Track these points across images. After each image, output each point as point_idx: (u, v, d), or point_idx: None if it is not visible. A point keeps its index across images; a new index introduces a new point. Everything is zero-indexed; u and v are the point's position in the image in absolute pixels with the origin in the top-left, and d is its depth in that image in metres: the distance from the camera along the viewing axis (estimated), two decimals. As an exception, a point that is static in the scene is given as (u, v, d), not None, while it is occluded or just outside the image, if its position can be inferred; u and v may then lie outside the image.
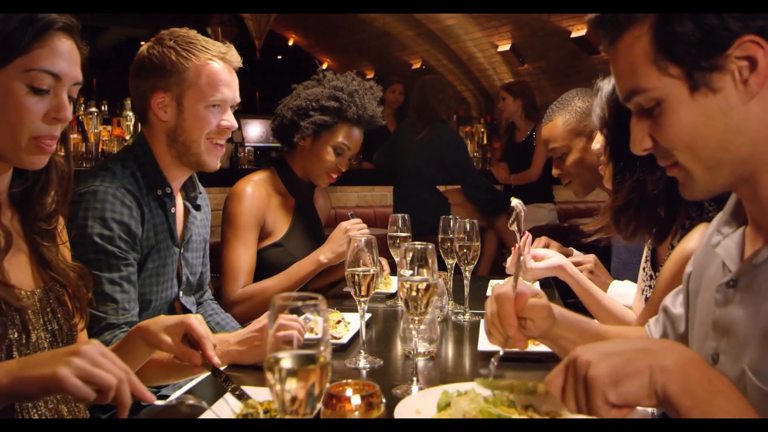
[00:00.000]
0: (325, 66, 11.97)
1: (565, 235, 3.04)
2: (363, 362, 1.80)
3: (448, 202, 5.03)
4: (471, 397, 1.23)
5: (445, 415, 1.22)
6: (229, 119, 2.10)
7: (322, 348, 0.93)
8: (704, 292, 1.25)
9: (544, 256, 2.34)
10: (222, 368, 1.55)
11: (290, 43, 11.97)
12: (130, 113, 6.90)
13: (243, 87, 2.17)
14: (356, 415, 1.24)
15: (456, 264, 2.46)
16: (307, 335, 0.96)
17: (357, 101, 2.81)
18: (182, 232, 2.18)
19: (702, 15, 1.04)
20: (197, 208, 2.24)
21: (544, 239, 2.89)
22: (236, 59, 2.13)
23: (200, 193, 2.28)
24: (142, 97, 2.08)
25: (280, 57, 12.55)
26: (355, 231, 2.64)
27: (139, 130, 2.32)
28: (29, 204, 1.47)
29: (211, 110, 2.06)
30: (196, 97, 2.04)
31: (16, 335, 1.37)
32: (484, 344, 1.88)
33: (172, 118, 2.06)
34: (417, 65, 11.11)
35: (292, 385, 0.90)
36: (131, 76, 2.11)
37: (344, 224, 2.69)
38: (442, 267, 2.19)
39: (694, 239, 1.69)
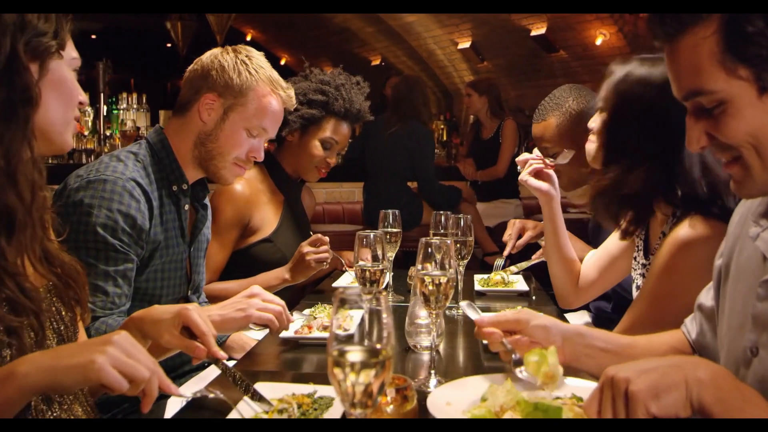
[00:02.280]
0: (282, 62, 11.87)
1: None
2: (371, 357, 1.80)
3: (419, 198, 5.05)
4: (507, 389, 1.25)
5: (483, 406, 1.24)
6: (260, 153, 2.17)
7: (384, 342, 0.93)
8: (738, 282, 1.27)
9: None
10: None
11: (248, 38, 11.84)
12: (89, 108, 6.77)
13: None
14: (391, 408, 1.25)
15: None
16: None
17: (344, 95, 2.82)
18: (191, 231, 2.17)
19: None
20: (204, 207, 2.23)
21: (518, 223, 2.93)
22: (292, 102, 2.23)
23: (209, 192, 2.27)
24: (194, 91, 2.11)
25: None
26: (312, 256, 2.55)
27: (159, 123, 2.32)
28: None
29: (248, 135, 2.12)
30: (243, 116, 2.10)
31: (30, 340, 1.33)
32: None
33: (212, 122, 2.09)
34: (376, 62, 11.12)
35: (362, 378, 0.90)
36: (192, 71, 2.15)
37: (303, 247, 2.60)
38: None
39: (685, 227, 1.74)
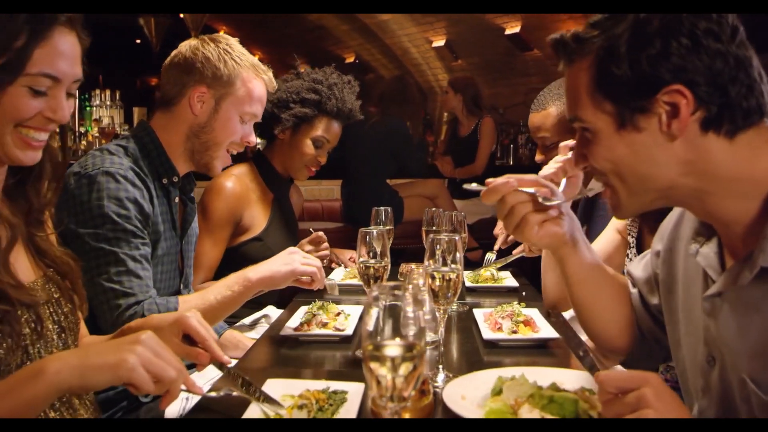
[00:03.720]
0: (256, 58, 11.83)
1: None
2: (374, 353, 1.82)
3: (399, 196, 5.07)
4: (521, 383, 1.27)
5: (497, 399, 1.26)
6: (251, 137, 2.21)
7: (418, 335, 0.95)
8: (687, 291, 1.34)
9: None
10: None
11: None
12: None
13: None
14: (410, 403, 1.26)
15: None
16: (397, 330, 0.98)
17: (336, 94, 2.85)
18: (181, 225, 2.19)
19: (637, 61, 1.15)
20: (192, 200, 2.26)
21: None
22: (273, 84, 2.26)
23: (195, 185, 2.28)
24: (179, 86, 2.12)
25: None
26: (313, 254, 2.59)
27: (140, 117, 2.32)
28: (24, 194, 1.42)
29: (240, 121, 2.16)
30: (235, 104, 2.13)
31: (28, 331, 1.32)
32: (488, 333, 1.94)
33: (205, 114, 2.12)
34: (350, 59, 11.10)
35: (401, 371, 0.92)
36: (172, 64, 2.15)
37: (304, 246, 2.69)
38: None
39: None
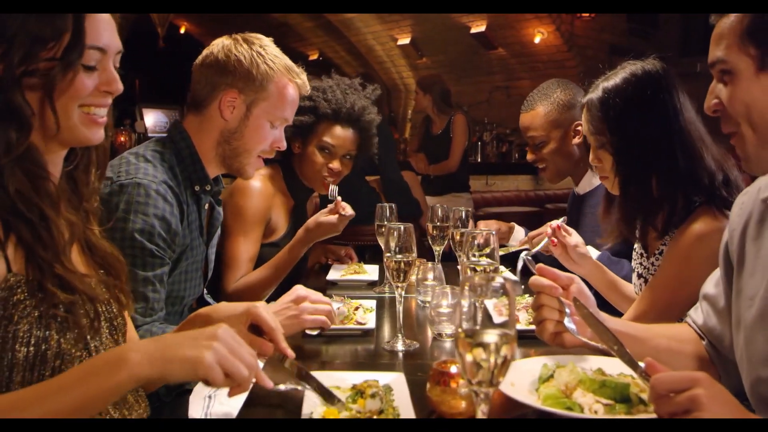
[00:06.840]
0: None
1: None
2: (400, 345, 1.87)
3: (377, 192, 5.11)
4: (570, 369, 1.34)
5: (549, 385, 1.32)
6: (282, 142, 2.16)
7: (509, 326, 1.00)
8: (763, 269, 1.40)
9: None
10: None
11: (182, 31, 11.59)
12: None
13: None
14: (464, 391, 1.31)
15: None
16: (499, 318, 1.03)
17: (329, 96, 2.83)
18: (207, 229, 2.16)
19: None
20: (219, 203, 2.22)
21: (493, 224, 3.03)
22: (307, 88, 2.20)
23: (223, 187, 2.26)
24: (210, 88, 2.06)
25: (165, 44, 12.12)
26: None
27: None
28: (75, 185, 1.41)
29: (271, 126, 2.11)
30: (266, 110, 2.08)
31: (87, 325, 1.33)
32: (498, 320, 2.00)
33: (236, 120, 2.07)
34: (314, 57, 11.09)
35: (503, 353, 0.98)
36: (204, 64, 2.09)
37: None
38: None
39: (702, 220, 1.87)
